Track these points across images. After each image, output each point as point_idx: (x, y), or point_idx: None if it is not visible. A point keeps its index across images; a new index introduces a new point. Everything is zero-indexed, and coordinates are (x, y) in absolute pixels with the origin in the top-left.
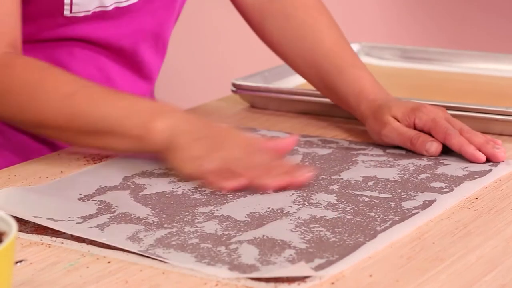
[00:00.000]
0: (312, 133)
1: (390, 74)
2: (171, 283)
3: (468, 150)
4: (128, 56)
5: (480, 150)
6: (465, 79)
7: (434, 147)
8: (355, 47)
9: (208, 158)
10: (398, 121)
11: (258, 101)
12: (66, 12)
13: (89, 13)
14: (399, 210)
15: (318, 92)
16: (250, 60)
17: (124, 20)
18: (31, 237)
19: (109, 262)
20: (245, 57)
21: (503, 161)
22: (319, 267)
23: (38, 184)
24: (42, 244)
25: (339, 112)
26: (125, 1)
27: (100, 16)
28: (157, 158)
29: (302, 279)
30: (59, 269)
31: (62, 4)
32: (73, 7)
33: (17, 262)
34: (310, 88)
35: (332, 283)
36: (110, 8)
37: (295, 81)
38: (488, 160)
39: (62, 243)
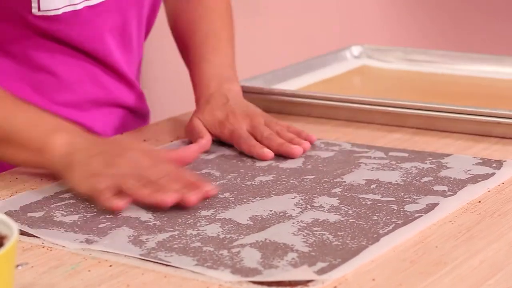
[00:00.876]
0: (314, 135)
1: (392, 76)
2: (173, 286)
3: (254, 150)
4: (102, 57)
5: (279, 149)
6: (466, 82)
7: (203, 141)
8: (357, 49)
9: (102, 176)
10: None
11: (260, 103)
12: (34, 11)
13: (59, 12)
14: (402, 213)
15: (320, 95)
16: (252, 62)
17: (96, 21)
18: (32, 240)
19: (110, 266)
20: (247, 59)
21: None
22: (321, 271)
23: (38, 188)
24: (43, 247)
25: (342, 115)
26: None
27: (72, 16)
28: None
29: (305, 283)
30: (61, 272)
31: (30, 1)
32: (41, 4)
33: (18, 266)
34: (313, 90)
35: (335, 287)
36: (80, 6)
37: (297, 84)
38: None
39: (63, 246)
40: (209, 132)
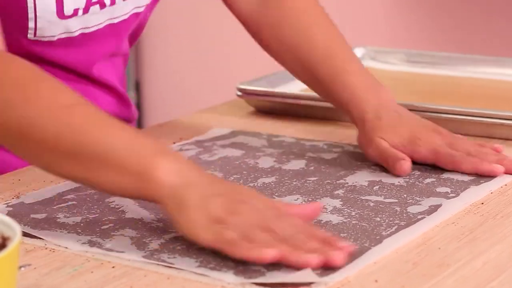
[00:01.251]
0: (317, 137)
1: (395, 78)
2: None
3: (484, 168)
4: (95, 77)
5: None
6: (469, 83)
7: (406, 165)
8: (360, 51)
9: (227, 223)
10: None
11: (263, 105)
12: (30, 36)
13: (54, 38)
14: (404, 215)
15: None
16: (255, 64)
17: (91, 45)
18: (35, 241)
19: (113, 267)
20: (250, 61)
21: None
22: (324, 273)
23: (43, 189)
24: (46, 248)
25: (344, 117)
26: (91, 27)
27: (67, 41)
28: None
29: (308, 284)
30: (64, 274)
31: (26, 28)
32: (37, 31)
33: (21, 267)
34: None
35: None
36: (76, 34)
37: (300, 86)
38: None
39: (66, 247)
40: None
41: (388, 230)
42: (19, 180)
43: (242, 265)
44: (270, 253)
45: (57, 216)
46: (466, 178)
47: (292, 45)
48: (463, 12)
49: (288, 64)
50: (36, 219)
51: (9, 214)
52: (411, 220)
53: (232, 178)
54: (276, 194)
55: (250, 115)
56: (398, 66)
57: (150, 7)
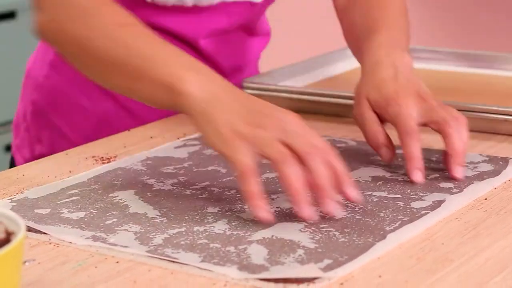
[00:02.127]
0: (321, 133)
1: None
2: (180, 283)
3: (408, 166)
4: (203, 51)
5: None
6: (472, 79)
7: (389, 156)
8: None
9: (243, 139)
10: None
11: (267, 100)
12: None
13: (169, 4)
14: (408, 210)
15: (327, 92)
16: (260, 59)
17: (202, 18)
18: (39, 236)
19: (117, 262)
20: None
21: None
22: (328, 268)
23: (46, 184)
24: (50, 243)
25: (348, 112)
26: (204, 1)
27: (179, 9)
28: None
29: (311, 279)
30: (68, 269)
31: None
32: None
33: (25, 262)
34: (320, 88)
35: (341, 284)
36: (189, 4)
37: (304, 81)
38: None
39: (70, 242)
40: (373, 110)
41: (392, 226)
42: (23, 175)
43: (246, 260)
44: (265, 216)
45: (61, 211)
46: (470, 173)
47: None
48: (467, 8)
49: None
50: (40, 214)
51: (13, 209)
52: (415, 216)
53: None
54: (280, 189)
55: None
56: None
57: (265, 3)
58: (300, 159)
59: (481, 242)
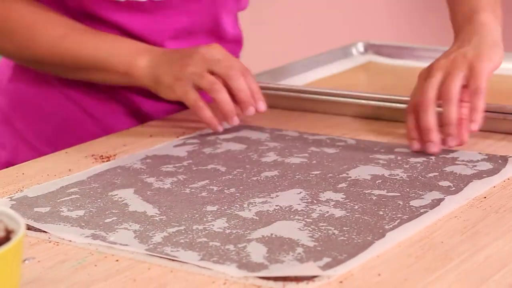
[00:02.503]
0: (320, 131)
1: (398, 72)
2: (179, 281)
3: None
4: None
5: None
6: None
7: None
8: (363, 45)
9: (182, 79)
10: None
11: (267, 99)
12: None
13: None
14: (407, 209)
15: (326, 91)
16: (259, 58)
17: (158, 16)
18: (39, 235)
19: (117, 261)
20: (254, 55)
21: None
22: (327, 266)
23: (46, 182)
24: (50, 242)
25: (348, 110)
26: None
27: (134, 7)
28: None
29: (311, 278)
30: (67, 267)
31: None
32: None
33: (25, 260)
34: (319, 86)
35: (341, 282)
36: None
37: (304, 80)
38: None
39: (70, 241)
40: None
41: (391, 224)
42: (23, 174)
43: (245, 259)
44: (209, 119)
45: (61, 209)
46: (469, 172)
47: None
48: None
49: None
50: (40, 212)
51: (12, 207)
52: (414, 214)
53: (235, 172)
54: (279, 188)
55: None
56: (402, 61)
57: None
58: (224, 81)
59: (480, 241)
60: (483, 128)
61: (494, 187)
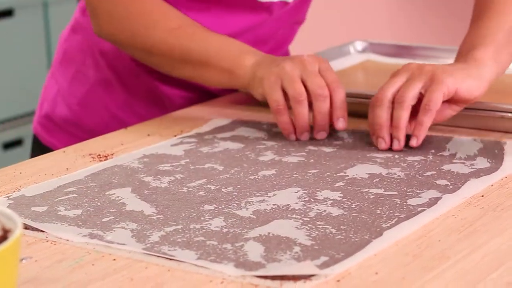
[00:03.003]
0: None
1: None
2: (177, 280)
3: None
4: None
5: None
6: None
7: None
8: (361, 44)
9: (268, 74)
10: None
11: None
12: None
13: None
14: (404, 207)
15: None
16: None
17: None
18: (36, 234)
19: (114, 260)
20: None
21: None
22: (324, 265)
23: (43, 182)
24: (47, 241)
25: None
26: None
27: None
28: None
29: (308, 276)
30: (65, 266)
31: None
32: None
33: (22, 259)
34: None
35: (338, 281)
36: None
37: None
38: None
39: (67, 240)
40: None
41: (388, 223)
42: (20, 173)
43: (242, 258)
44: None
45: (58, 208)
46: (466, 170)
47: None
48: (465, 6)
49: None
50: (37, 212)
51: (10, 206)
52: (411, 213)
53: (233, 170)
54: (277, 186)
55: (251, 107)
56: (399, 59)
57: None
58: (310, 98)
59: (478, 239)
60: (481, 127)
61: (492, 185)
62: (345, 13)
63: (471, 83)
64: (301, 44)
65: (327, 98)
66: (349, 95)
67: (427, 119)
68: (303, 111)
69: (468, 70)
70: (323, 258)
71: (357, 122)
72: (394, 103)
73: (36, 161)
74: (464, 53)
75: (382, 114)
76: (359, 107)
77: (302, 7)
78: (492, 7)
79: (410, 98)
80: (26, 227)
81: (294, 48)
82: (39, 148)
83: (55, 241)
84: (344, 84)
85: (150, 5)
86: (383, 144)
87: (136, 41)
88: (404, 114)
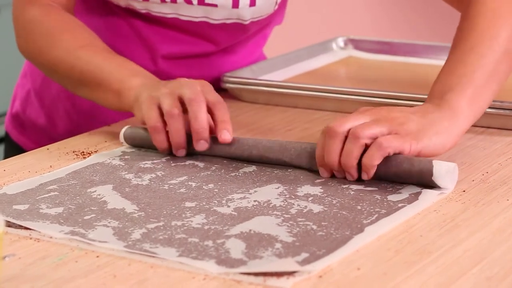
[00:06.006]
0: (300, 126)
1: (378, 67)
2: (159, 277)
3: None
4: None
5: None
6: None
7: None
8: (343, 40)
9: (146, 101)
10: None
11: (247, 94)
12: None
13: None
14: (385, 203)
15: (307, 86)
16: None
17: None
18: (19, 232)
19: (97, 257)
20: None
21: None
22: (305, 261)
23: (25, 180)
24: (31, 238)
25: (328, 105)
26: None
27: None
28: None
29: (291, 272)
30: (48, 263)
31: None
32: None
33: (5, 257)
34: (299, 81)
35: (320, 277)
36: (169, 16)
37: (284, 75)
38: None
39: (50, 237)
40: None
41: (369, 219)
42: (4, 170)
43: (224, 255)
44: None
45: (40, 206)
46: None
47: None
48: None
49: None
50: (19, 210)
51: None
52: (392, 208)
53: (214, 167)
54: (258, 183)
55: (234, 104)
56: (381, 55)
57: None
58: (186, 105)
59: (459, 234)
60: (480, 124)
61: (473, 180)
62: (327, 10)
63: (438, 142)
64: (283, 40)
65: (202, 103)
66: (332, 92)
67: (371, 173)
68: (177, 126)
69: (438, 125)
70: (304, 255)
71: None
72: (349, 136)
73: (20, 158)
74: (439, 95)
75: (334, 148)
76: (341, 104)
77: (274, 17)
78: (473, 34)
79: (367, 136)
80: (9, 225)
81: (277, 45)
82: (11, 146)
83: (38, 239)
84: (327, 80)
85: (56, 23)
86: (325, 174)
87: (42, 59)
88: (355, 151)
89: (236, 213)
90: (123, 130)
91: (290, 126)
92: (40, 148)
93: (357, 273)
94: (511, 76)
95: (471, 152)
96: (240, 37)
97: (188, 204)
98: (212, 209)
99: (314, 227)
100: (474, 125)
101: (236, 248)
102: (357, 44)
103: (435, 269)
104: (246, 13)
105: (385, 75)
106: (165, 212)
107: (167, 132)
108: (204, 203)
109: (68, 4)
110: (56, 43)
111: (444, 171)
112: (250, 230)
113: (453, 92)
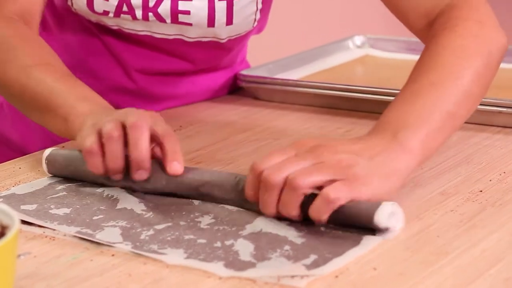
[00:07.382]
0: (316, 125)
1: (394, 65)
2: (175, 276)
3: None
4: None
5: None
6: None
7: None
8: (360, 39)
9: (88, 131)
10: None
11: (263, 93)
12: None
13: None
14: None
15: (323, 84)
16: (255, 52)
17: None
18: (34, 230)
19: (113, 255)
20: (250, 49)
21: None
22: (314, 264)
23: (34, 180)
24: (46, 237)
25: (343, 105)
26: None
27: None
28: None
29: (302, 276)
30: (63, 262)
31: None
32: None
33: (20, 255)
34: (315, 80)
35: (336, 277)
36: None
37: (300, 73)
38: None
39: (65, 235)
40: None
41: None
42: (20, 168)
43: (232, 257)
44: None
45: (48, 207)
46: None
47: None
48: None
49: None
50: (27, 210)
51: None
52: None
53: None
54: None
55: (248, 102)
56: (398, 54)
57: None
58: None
59: (476, 234)
60: (479, 122)
61: (490, 180)
62: (344, 8)
63: (387, 186)
64: (300, 39)
65: (144, 129)
66: (348, 90)
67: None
68: (114, 149)
69: (387, 167)
70: (313, 257)
71: (356, 117)
72: (287, 185)
73: (34, 156)
74: (391, 130)
75: (271, 201)
76: (357, 103)
77: (253, 31)
78: (437, 69)
79: (308, 186)
80: (24, 222)
81: (293, 43)
82: None
83: (53, 237)
84: (343, 79)
85: (14, 38)
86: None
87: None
88: (294, 202)
89: (245, 214)
90: (46, 153)
91: (306, 125)
92: (55, 146)
93: (373, 273)
94: None
95: (488, 151)
96: (217, 54)
97: (196, 204)
98: (220, 210)
99: (323, 228)
100: (491, 125)
101: (244, 249)
102: (374, 43)
103: (452, 269)
104: (223, 32)
105: (401, 74)
106: (173, 213)
107: (104, 156)
108: (212, 204)
109: (32, 20)
110: (10, 59)
111: (386, 216)
112: (260, 231)
113: (407, 131)
